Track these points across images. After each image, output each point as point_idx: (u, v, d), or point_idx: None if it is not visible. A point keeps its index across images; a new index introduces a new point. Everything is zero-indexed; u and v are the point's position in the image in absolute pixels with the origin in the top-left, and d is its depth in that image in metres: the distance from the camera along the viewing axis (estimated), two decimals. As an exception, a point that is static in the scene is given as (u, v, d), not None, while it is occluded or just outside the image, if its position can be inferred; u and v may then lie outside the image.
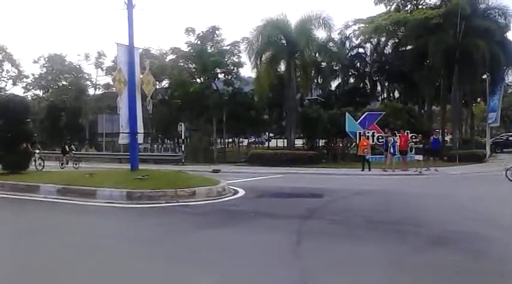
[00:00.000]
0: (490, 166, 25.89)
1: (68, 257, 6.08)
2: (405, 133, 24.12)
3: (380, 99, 41.31)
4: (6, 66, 47.05)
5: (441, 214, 9.71)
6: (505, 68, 33.19)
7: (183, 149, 30.92)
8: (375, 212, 10.07)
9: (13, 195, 12.48)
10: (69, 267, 5.67)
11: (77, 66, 45.64)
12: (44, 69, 45.82)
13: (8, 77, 47.56)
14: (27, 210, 10.56)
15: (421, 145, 23.17)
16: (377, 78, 40.41)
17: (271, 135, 46.02)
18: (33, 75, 46.67)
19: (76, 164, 25.64)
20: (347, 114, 28.30)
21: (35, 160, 20.46)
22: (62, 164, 25.81)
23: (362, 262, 5.88)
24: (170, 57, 38.08)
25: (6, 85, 47.51)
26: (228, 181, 14.05)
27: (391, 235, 7.54)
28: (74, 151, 28.27)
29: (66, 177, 13.86)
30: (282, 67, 32.36)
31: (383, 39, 38.37)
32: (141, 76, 15.34)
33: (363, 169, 22.41)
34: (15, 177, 14.40)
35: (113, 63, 39.58)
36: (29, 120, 17.92)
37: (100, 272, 5.50)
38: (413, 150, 23.29)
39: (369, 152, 23.86)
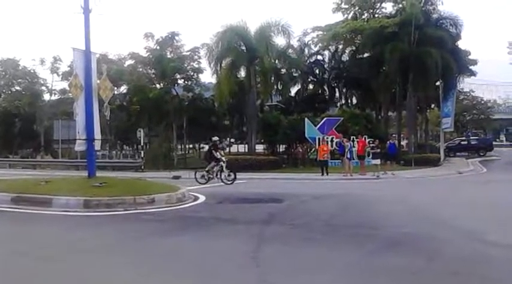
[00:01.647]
0: (443, 170, 26.89)
1: (15, 267, 5.86)
2: (363, 139, 24.69)
3: (338, 105, 42.13)
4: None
5: (397, 217, 9.96)
6: (456, 75, 34.57)
7: (142, 155, 30.49)
8: (333, 216, 10.23)
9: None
10: (23, 276, 5.47)
11: (32, 71, 44.26)
12: (-4, 74, 44.20)
13: (-44, 81, 45.59)
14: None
15: (378, 150, 23.77)
16: (335, 84, 41.21)
17: (232, 140, 46.05)
18: (-17, 79, 44.94)
19: None
20: (306, 119, 28.73)
21: None
22: None
23: (320, 265, 5.97)
24: (129, 62, 37.61)
25: (-47, 90, 45.53)
26: (188, 188, 13.94)
27: (349, 238, 7.68)
28: None
29: (20, 185, 13.35)
30: (242, 73, 32.62)
31: (341, 46, 39.23)
32: (99, 81, 15.00)
33: (322, 174, 22.76)
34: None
35: (69, 68, 38.55)
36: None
37: (53, 281, 5.33)
38: (371, 155, 23.89)
39: (328, 157, 24.27)
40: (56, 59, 43.18)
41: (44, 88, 45.53)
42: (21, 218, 10.09)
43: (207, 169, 19.18)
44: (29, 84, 44.31)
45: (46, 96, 45.88)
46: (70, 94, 21.71)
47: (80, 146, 14.75)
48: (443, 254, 6.50)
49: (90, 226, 9.17)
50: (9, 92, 44.71)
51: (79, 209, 10.63)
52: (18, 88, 44.66)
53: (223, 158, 19.33)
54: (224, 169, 18.86)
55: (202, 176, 18.99)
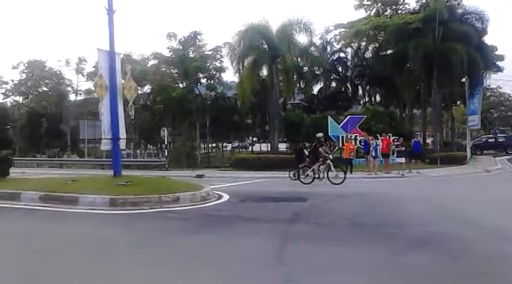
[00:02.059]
0: (470, 168, 26.38)
1: (45, 264, 6.01)
2: (387, 137, 24.40)
3: (362, 102, 41.76)
4: (-16, 72, 46.35)
5: (423, 215, 9.84)
6: (482, 71, 33.84)
7: (166, 154, 30.79)
8: (358, 215, 10.17)
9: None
10: (47, 274, 5.60)
11: (58, 72, 45.17)
12: (24, 75, 45.25)
13: (-14, 83, 46.80)
14: (6, 218, 10.38)
15: (403, 148, 23.47)
16: (358, 82, 40.88)
17: (254, 139, 46.13)
18: (12, 81, 46.02)
19: None
20: (329, 117, 28.53)
21: None
22: None
23: (346, 264, 5.94)
24: (152, 62, 38.04)
25: (-16, 92, 46.75)
26: (212, 186, 14.03)
27: (374, 237, 7.62)
28: None
29: (48, 184, 13.64)
30: (264, 72, 32.60)
31: (363, 43, 38.85)
32: (123, 81, 15.23)
33: (345, 173, 22.57)
34: (-4, 184, 14.11)
35: (94, 69, 39.27)
36: (8, 126, 17.65)
37: (77, 279, 5.44)
38: (395, 153, 23.58)
39: (354, 155, 24.10)
40: (81, 59, 44.04)
41: (69, 88, 46.48)
42: (50, 216, 10.33)
43: (302, 166, 18.01)
44: (55, 84, 45.24)
45: (72, 97, 46.87)
46: (95, 94, 22.04)
47: (105, 145, 15.00)
48: (469, 254, 6.39)
49: (116, 225, 9.33)
50: (36, 93, 45.69)
51: (105, 207, 10.82)
52: (44, 89, 45.63)
53: (330, 156, 18.07)
54: (332, 168, 17.44)
55: (307, 175, 17.51)
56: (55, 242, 7.45)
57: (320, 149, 18.21)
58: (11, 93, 46.58)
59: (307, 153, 19.69)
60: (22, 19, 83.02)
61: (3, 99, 45.29)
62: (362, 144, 25.45)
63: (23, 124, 41.86)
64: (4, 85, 46.63)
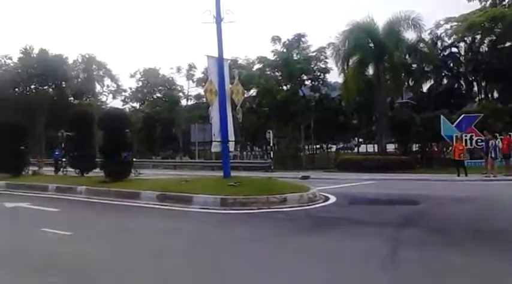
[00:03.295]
0: None
1: (170, 261, 6.43)
2: (508, 136, 22.51)
3: (477, 100, 38.92)
4: (107, 81, 51.12)
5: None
6: None
7: (271, 156, 31.26)
8: (477, 220, 9.51)
9: (118, 201, 13.35)
10: (173, 269, 5.99)
11: (170, 79, 48.13)
12: (140, 83, 48.88)
13: (108, 91, 51.55)
14: (130, 215, 11.28)
15: (527, 148, 21.47)
16: (473, 78, 38.11)
17: (360, 140, 45.10)
18: (130, 88, 50.11)
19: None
20: (442, 116, 26.96)
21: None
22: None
23: (466, 273, 5.58)
24: (257, 66, 38.87)
25: (107, 99, 51.46)
26: (318, 188, 13.97)
27: (494, 245, 7.06)
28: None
29: (164, 184, 14.58)
30: (370, 71, 31.76)
31: (478, 37, 36.12)
32: (231, 86, 15.76)
33: (458, 175, 21.25)
34: (118, 184, 15.34)
35: (203, 75, 41.24)
36: (128, 130, 19.06)
37: (199, 276, 5.74)
38: (518, 154, 21.64)
39: (466, 156, 22.57)
40: (191, 66, 46.50)
41: (180, 94, 49.21)
42: (167, 215, 11.05)
43: None
44: (167, 91, 48.26)
45: (183, 102, 49.57)
46: (204, 99, 23.05)
47: (215, 148, 15.67)
48: None
49: (228, 224, 9.73)
50: (151, 99, 49.04)
51: (216, 207, 11.30)
52: (158, 95, 48.89)
53: None
54: None
55: None
56: (179, 240, 7.98)
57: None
58: (129, 100, 50.64)
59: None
60: (138, 31, 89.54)
61: (123, 105, 49.46)
62: (480, 143, 23.74)
63: (139, 128, 45.07)
64: (123, 93, 50.91)
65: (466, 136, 25.03)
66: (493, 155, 21.22)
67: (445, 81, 39.45)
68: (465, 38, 36.70)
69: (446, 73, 38.64)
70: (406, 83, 35.81)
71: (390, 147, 32.92)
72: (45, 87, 44.31)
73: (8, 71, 44.62)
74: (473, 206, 11.93)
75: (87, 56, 49.30)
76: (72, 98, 46.81)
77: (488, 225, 8.94)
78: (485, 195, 14.24)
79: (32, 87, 43.90)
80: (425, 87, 38.73)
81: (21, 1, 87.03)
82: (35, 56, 43.62)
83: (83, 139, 19.36)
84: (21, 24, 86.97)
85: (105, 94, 51.70)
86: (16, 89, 43.61)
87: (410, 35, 31.01)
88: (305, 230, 8.76)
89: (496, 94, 39.85)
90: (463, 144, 23.82)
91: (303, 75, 35.20)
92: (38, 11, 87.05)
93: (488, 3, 34.69)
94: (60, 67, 43.81)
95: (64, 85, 45.25)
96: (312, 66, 35.23)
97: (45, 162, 30.57)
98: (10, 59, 45.56)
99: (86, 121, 19.90)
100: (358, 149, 43.96)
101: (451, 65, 38.24)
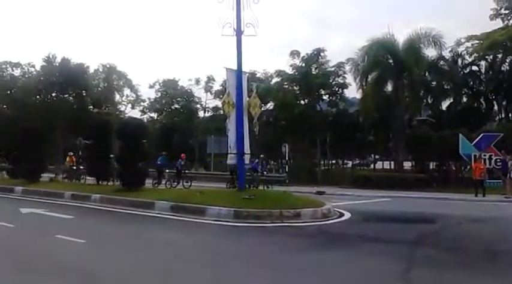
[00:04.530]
0: None
1: (181, 271, 6.42)
2: (526, 157, 22.07)
3: (497, 119, 38.32)
4: (126, 91, 51.58)
5: None
6: None
7: (286, 170, 31.13)
8: (494, 241, 9.27)
9: (132, 210, 13.40)
10: (183, 279, 5.96)
11: (188, 90, 48.41)
12: (159, 94, 49.25)
13: (128, 101, 52.02)
14: (143, 225, 11.32)
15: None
16: (493, 97, 37.57)
17: (376, 156, 44.73)
18: (149, 99, 50.48)
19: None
20: (460, 135, 26.59)
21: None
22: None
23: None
24: (275, 79, 38.91)
25: (126, 109, 51.97)
26: (333, 203, 13.86)
27: (513, 267, 6.90)
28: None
29: (178, 195, 14.63)
30: (389, 87, 31.54)
31: (499, 55, 35.71)
32: (248, 99, 15.78)
33: (476, 195, 20.85)
34: (133, 193, 15.43)
35: (221, 87, 41.43)
36: (145, 141, 19.20)
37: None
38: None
39: (486, 176, 22.16)
40: (210, 78, 46.77)
41: (198, 106, 49.44)
42: (179, 226, 11.06)
43: None
44: (186, 102, 48.53)
45: (200, 113, 49.79)
46: (222, 111, 23.15)
47: (231, 160, 15.66)
48: None
49: (241, 237, 9.70)
50: (169, 110, 49.38)
51: (230, 219, 11.28)
52: (177, 106, 49.19)
53: None
54: None
55: None
56: (191, 251, 8.01)
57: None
58: (147, 110, 51.06)
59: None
60: (159, 42, 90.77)
61: (141, 115, 49.79)
62: (499, 163, 23.32)
63: (156, 138, 45.35)
64: (142, 103, 51.35)
65: (485, 155, 24.60)
66: (511, 175, 20.79)
67: (464, 99, 38.92)
68: (486, 57, 36.27)
69: (466, 91, 38.14)
70: (425, 100, 35.47)
71: (407, 165, 32.52)
72: (66, 95, 45.01)
73: (31, 79, 45.53)
74: (491, 226, 11.67)
75: (108, 66, 49.99)
76: (91, 107, 47.38)
77: (506, 246, 8.72)
78: (503, 215, 13.93)
79: (53, 94, 44.64)
80: (444, 105, 38.26)
81: (46, 10, 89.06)
82: (57, 64, 44.42)
83: (100, 148, 19.55)
84: (45, 33, 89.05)
85: (124, 104, 52.30)
86: (38, 96, 44.36)
87: (430, 52, 30.85)
88: (316, 247, 8.67)
89: (517, 115, 39.21)
90: (483, 163, 23.39)
91: (321, 89, 35.10)
92: (62, 21, 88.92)
93: (511, 21, 34.33)
94: (81, 76, 44.50)
95: (84, 94, 45.90)
96: (331, 81, 35.12)
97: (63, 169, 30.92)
98: (33, 66, 46.60)
99: (104, 130, 20.11)
100: (374, 166, 43.58)
101: (471, 83, 37.74)
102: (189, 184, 22.59)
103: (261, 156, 23.90)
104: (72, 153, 25.40)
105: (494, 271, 6.65)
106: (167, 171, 24.45)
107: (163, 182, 22.76)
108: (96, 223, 11.77)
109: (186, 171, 25.17)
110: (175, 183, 22.98)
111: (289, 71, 36.12)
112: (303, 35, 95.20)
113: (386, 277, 6.14)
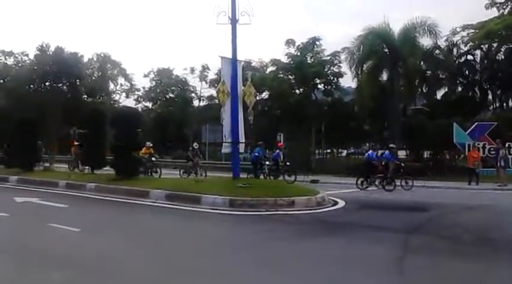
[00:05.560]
0: None
1: (175, 260, 6.46)
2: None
3: (491, 108, 38.47)
4: (120, 80, 51.46)
5: None
6: None
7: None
8: (486, 229, 9.36)
9: (127, 199, 13.40)
10: (177, 268, 6.00)
11: (183, 79, 48.29)
12: (153, 83, 49.10)
13: (122, 90, 51.89)
14: (138, 214, 11.36)
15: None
16: (488, 86, 37.68)
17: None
18: (143, 88, 50.36)
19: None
20: (455, 124, 26.71)
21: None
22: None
23: (470, 280, 5.52)
24: (270, 68, 38.90)
25: (120, 98, 51.81)
26: (327, 192, 13.91)
27: (505, 253, 6.98)
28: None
29: (174, 184, 14.65)
30: (384, 76, 31.56)
31: (495, 45, 35.72)
32: (243, 88, 15.74)
33: (469, 183, 20.99)
34: (128, 182, 15.42)
35: (216, 76, 41.34)
36: (139, 130, 19.14)
37: (203, 275, 5.74)
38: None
39: (479, 165, 22.29)
40: (205, 67, 46.72)
41: (193, 95, 49.36)
42: (175, 214, 11.10)
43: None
44: (180, 91, 48.41)
45: (195, 102, 49.75)
46: (217, 100, 23.08)
47: (226, 148, 15.66)
48: None
49: (236, 225, 9.76)
50: (164, 99, 49.24)
51: (225, 207, 11.32)
52: (171, 95, 49.07)
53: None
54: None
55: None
56: (186, 239, 8.04)
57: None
58: (142, 99, 50.91)
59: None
60: (153, 31, 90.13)
61: (135, 104, 49.70)
62: (493, 152, 23.46)
63: (150, 128, 45.23)
64: (136, 92, 51.21)
65: (479, 144, 24.73)
66: (502, 164, 20.93)
67: (459, 88, 39.00)
68: (481, 46, 36.29)
69: (461, 80, 38.22)
70: (420, 90, 35.53)
71: (401, 154, 32.63)
72: (60, 85, 44.67)
73: (24, 68, 45.19)
74: (484, 214, 11.78)
75: (102, 55, 49.72)
76: (86, 96, 47.14)
77: (498, 234, 8.78)
78: (496, 203, 14.01)
79: (47, 84, 44.29)
80: (439, 94, 38.33)
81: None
82: (50, 53, 44.06)
83: (94, 137, 19.48)
84: (38, 21, 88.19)
85: (118, 93, 52.14)
86: (31, 86, 44.03)
87: (426, 41, 30.78)
88: (310, 234, 8.72)
89: (511, 103, 39.36)
90: (478, 152, 23.50)
91: (316, 78, 35.08)
92: (56, 9, 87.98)
93: (506, 11, 34.30)
94: (75, 65, 44.19)
95: (78, 83, 45.62)
96: (326, 70, 35.09)
97: (57, 159, 30.76)
98: (26, 55, 46.30)
99: (98, 119, 20.00)
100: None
101: (467, 72, 37.80)
102: (293, 178, 19.91)
103: (260, 143, 23.49)
104: (77, 143, 24.92)
105: (485, 258, 6.71)
106: (267, 163, 22.11)
107: (261, 177, 20.79)
108: (91, 211, 11.78)
109: (287, 163, 22.63)
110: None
111: (285, 60, 36.08)
112: (299, 24, 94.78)
113: (381, 264, 6.19)
